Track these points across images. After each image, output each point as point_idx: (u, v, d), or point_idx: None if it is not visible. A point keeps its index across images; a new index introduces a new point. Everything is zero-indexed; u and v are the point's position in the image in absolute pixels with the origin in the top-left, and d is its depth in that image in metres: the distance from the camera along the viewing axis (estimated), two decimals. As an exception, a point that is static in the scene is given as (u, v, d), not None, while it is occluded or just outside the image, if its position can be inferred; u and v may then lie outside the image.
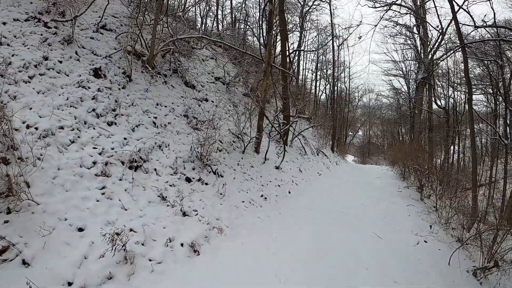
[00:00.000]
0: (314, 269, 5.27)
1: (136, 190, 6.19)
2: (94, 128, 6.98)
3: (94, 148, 6.56)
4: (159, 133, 7.94)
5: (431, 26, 20.21)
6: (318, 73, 27.18)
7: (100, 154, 6.49)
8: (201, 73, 12.41)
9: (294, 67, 22.17)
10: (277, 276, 4.96)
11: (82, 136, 6.64)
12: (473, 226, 7.56)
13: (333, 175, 15.60)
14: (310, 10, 20.83)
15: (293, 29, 20.86)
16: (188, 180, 7.15)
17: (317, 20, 29.32)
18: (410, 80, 26.06)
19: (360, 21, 22.89)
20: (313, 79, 28.53)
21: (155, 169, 6.93)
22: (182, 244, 5.44)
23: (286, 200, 8.90)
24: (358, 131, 44.27)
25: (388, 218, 8.34)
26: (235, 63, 14.47)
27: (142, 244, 5.11)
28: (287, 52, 15.23)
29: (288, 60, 16.11)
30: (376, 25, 15.12)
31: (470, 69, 15.18)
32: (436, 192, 9.97)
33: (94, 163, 6.22)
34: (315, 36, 24.21)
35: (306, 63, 27.75)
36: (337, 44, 23.48)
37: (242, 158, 9.73)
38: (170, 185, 6.73)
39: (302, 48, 22.19)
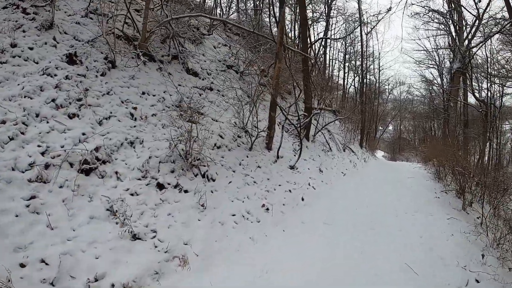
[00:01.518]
0: None
1: (78, 201, 4.19)
2: (47, 122, 5.12)
3: (38, 146, 4.61)
4: (135, 126, 5.87)
5: (467, 10, 16.57)
6: (346, 64, 23.98)
7: (43, 153, 4.56)
8: (210, 61, 10.18)
9: (320, 56, 19.32)
10: None
11: (28, 132, 4.83)
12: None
13: (360, 174, 12.67)
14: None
15: (319, 18, 18.04)
16: (160, 186, 5.00)
17: (344, 6, 26.19)
18: (444, 70, 22.24)
19: (390, 7, 19.25)
20: (340, 69, 25.37)
21: (116, 172, 4.85)
22: (112, 286, 3.27)
23: (296, 211, 6.38)
24: (388, 125, 39.88)
25: (426, 238, 5.70)
26: (252, 50, 12.00)
27: (51, 284, 3.17)
28: (307, 32, 12.44)
29: (308, 43, 13.22)
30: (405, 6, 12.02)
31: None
32: (482, 199, 7.05)
33: (32, 165, 4.25)
34: (342, 24, 21.08)
35: (333, 54, 24.55)
36: (365, 32, 20.23)
37: (247, 156, 7.41)
38: (131, 194, 4.62)
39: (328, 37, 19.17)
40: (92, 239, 3.77)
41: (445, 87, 21.64)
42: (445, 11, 18.02)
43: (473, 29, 16.31)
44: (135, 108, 6.19)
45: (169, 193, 4.93)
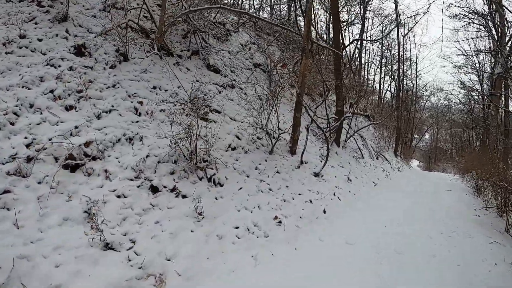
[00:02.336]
0: None
1: (54, 199, 3.52)
2: (41, 113, 4.51)
3: (25, 138, 4.03)
4: (137, 122, 5.16)
5: (509, 10, 14.49)
6: (383, 69, 22.28)
7: (28, 146, 3.94)
8: (236, 58, 9.39)
9: (355, 59, 17.91)
10: None
11: (18, 123, 4.34)
12: None
13: (393, 185, 11.13)
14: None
15: (354, 20, 16.74)
16: (154, 189, 4.20)
17: (380, 7, 24.52)
18: (484, 76, 20.04)
19: (428, 8, 17.52)
20: (376, 73, 23.65)
21: (106, 171, 4.13)
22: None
23: (314, 225, 5.19)
24: (424, 134, 36.83)
25: (464, 267, 4.38)
26: (282, 50, 11.04)
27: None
28: (340, 29, 11.23)
29: (341, 41, 11.92)
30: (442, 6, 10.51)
31: None
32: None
33: (14, 157, 3.68)
34: (378, 26, 19.59)
35: (369, 57, 22.93)
36: (403, 35, 18.52)
37: (265, 160, 6.47)
38: (118, 196, 3.86)
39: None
40: (58, 244, 3.06)
41: (485, 93, 19.53)
42: (485, 12, 16.06)
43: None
44: (140, 103, 5.51)
45: (163, 197, 4.11)
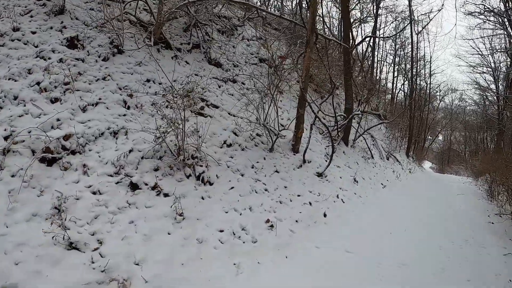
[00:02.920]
0: None
1: (26, 193, 3.28)
2: (24, 105, 4.24)
3: (5, 130, 3.79)
4: (124, 115, 4.85)
5: None
6: (396, 68, 21.46)
7: (6, 138, 3.70)
8: (241, 53, 8.99)
9: (368, 57, 17.24)
10: None
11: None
12: None
13: (403, 187, 10.47)
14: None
15: (367, 17, 16.07)
16: (134, 186, 3.88)
17: (394, 4, 23.70)
18: (500, 76, 19.26)
19: (442, 5, 16.75)
20: (389, 71, 22.81)
21: (84, 165, 3.83)
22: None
23: (312, 230, 4.72)
24: (438, 135, 35.45)
25: (476, 281, 3.87)
26: (289, 45, 10.53)
27: None
28: (350, 22, 10.65)
29: (350, 33, 11.26)
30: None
31: None
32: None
33: (-11, 149, 3.44)
34: (391, 23, 18.82)
35: (382, 56, 22.13)
36: (416, 32, 17.71)
37: (264, 159, 6.07)
38: (93, 192, 3.56)
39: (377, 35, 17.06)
40: (22, 240, 2.80)
41: (500, 94, 18.77)
42: (501, 10, 15.17)
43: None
44: (130, 96, 5.20)
45: (142, 195, 3.78)
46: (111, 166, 3.94)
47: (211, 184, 4.58)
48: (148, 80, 5.80)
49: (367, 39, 16.33)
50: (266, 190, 5.19)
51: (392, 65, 21.78)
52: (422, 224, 6.16)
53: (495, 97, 20.27)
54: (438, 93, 27.13)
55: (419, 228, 5.85)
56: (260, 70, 8.97)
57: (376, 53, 19.07)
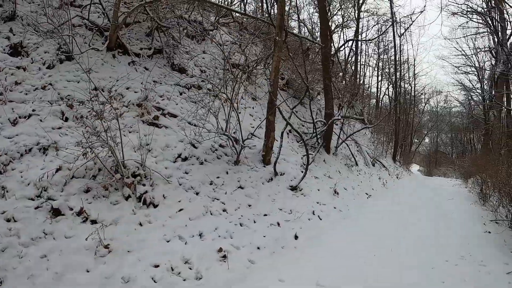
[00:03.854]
0: None
1: None
2: None
3: None
4: (59, 128, 4.22)
5: (509, 5, 13.52)
6: (380, 72, 21.19)
7: None
8: (212, 58, 8.41)
9: (350, 60, 16.86)
10: None
11: None
12: None
13: (390, 195, 9.77)
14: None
15: (348, 20, 15.70)
16: (56, 212, 3.23)
17: (375, 7, 23.55)
18: (485, 76, 19.34)
19: (424, 6, 16.60)
20: (372, 75, 22.55)
21: (3, 187, 3.19)
22: None
23: (276, 259, 3.96)
24: (424, 138, 35.28)
25: None
26: (265, 45, 9.95)
27: None
28: (327, 17, 10.12)
29: (329, 33, 10.66)
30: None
31: None
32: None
33: None
34: (373, 26, 18.65)
35: (365, 60, 21.88)
36: (398, 35, 17.41)
37: (227, 173, 5.45)
38: (7, 220, 2.96)
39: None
40: None
41: (486, 93, 18.73)
42: (484, 9, 15.00)
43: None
44: (71, 106, 4.56)
45: (64, 223, 3.13)
46: (32, 188, 3.29)
47: (155, 206, 3.94)
48: (95, 89, 5.16)
49: (349, 42, 15.94)
50: (224, 210, 4.55)
51: (376, 69, 21.51)
52: (411, 240, 5.40)
53: (480, 97, 20.15)
54: (423, 96, 27.01)
55: (408, 245, 5.10)
56: (230, 75, 8.41)
57: (359, 57, 18.77)
